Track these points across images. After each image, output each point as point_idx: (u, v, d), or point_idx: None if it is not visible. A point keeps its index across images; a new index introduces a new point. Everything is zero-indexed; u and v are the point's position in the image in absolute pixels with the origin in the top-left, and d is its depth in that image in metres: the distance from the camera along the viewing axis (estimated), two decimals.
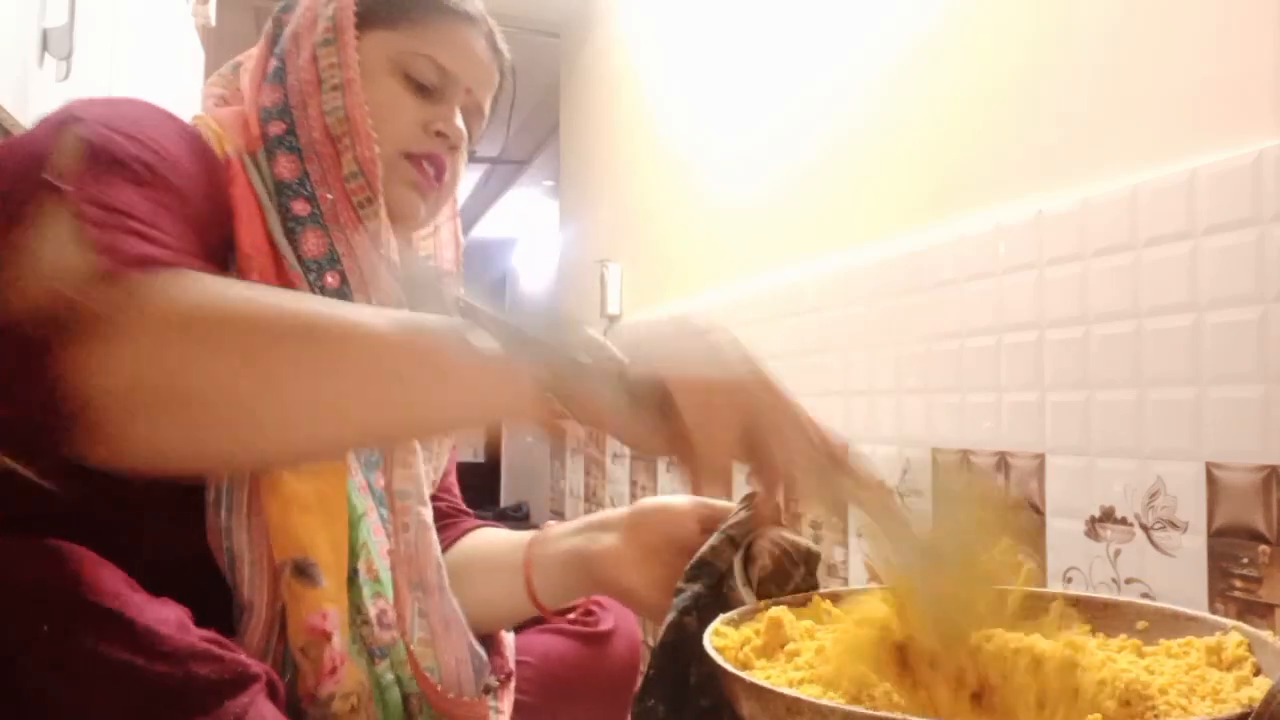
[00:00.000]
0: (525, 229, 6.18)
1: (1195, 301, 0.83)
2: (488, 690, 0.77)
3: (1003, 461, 1.04)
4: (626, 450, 2.20)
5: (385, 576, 0.74)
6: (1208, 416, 0.82)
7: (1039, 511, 0.99)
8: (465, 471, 1.07)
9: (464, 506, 0.96)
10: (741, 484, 0.64)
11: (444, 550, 0.81)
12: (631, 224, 2.26)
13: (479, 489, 5.72)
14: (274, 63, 0.77)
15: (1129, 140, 0.92)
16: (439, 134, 0.79)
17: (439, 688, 0.73)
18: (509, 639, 0.88)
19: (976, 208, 1.12)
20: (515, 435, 6.14)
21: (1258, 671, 0.51)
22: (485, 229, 6.32)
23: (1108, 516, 0.92)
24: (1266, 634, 0.52)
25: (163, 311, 0.50)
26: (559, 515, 2.69)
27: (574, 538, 0.82)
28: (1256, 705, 0.42)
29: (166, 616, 0.52)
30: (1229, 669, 0.51)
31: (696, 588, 0.67)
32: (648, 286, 2.14)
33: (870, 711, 0.45)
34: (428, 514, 0.77)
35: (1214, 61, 0.84)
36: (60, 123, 0.60)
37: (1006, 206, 1.06)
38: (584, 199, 2.67)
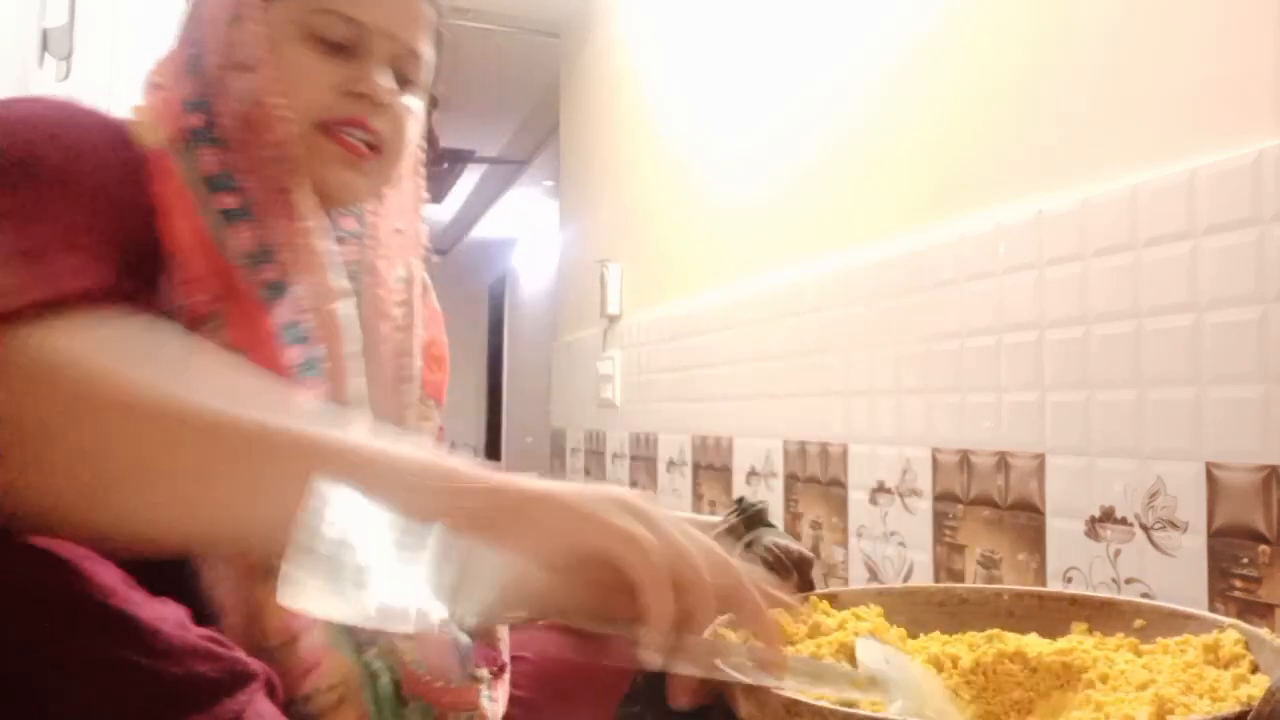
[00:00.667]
0: (525, 229, 6.18)
1: (1195, 301, 0.83)
2: (478, 680, 0.77)
3: (1003, 461, 1.04)
4: (627, 450, 2.20)
5: None
6: (1208, 416, 0.82)
7: (1039, 511, 0.99)
8: None
9: None
10: (741, 486, 0.63)
11: None
12: (631, 224, 2.26)
13: None
14: (191, 50, 0.73)
15: (1129, 140, 0.92)
16: (358, 95, 0.73)
17: (425, 678, 0.72)
18: (503, 632, 0.88)
19: (976, 208, 1.12)
20: (515, 434, 6.14)
21: (1255, 669, 0.51)
22: (485, 229, 6.32)
23: (1108, 516, 0.92)
24: (1264, 632, 0.52)
25: (46, 361, 0.48)
26: None
27: None
28: (1256, 703, 0.42)
29: (166, 615, 0.52)
30: (1226, 667, 0.51)
31: None
32: (648, 286, 2.15)
33: (871, 713, 0.46)
34: None
35: (1214, 61, 0.84)
36: None
37: (1006, 206, 1.06)
38: (584, 199, 2.67)
